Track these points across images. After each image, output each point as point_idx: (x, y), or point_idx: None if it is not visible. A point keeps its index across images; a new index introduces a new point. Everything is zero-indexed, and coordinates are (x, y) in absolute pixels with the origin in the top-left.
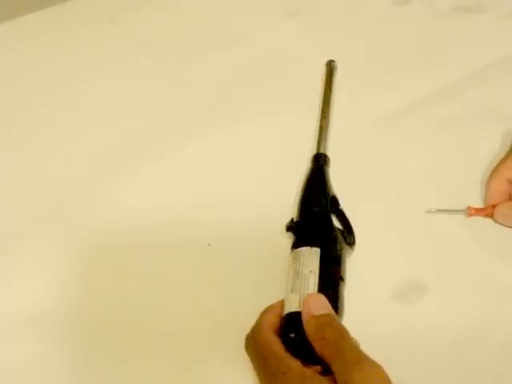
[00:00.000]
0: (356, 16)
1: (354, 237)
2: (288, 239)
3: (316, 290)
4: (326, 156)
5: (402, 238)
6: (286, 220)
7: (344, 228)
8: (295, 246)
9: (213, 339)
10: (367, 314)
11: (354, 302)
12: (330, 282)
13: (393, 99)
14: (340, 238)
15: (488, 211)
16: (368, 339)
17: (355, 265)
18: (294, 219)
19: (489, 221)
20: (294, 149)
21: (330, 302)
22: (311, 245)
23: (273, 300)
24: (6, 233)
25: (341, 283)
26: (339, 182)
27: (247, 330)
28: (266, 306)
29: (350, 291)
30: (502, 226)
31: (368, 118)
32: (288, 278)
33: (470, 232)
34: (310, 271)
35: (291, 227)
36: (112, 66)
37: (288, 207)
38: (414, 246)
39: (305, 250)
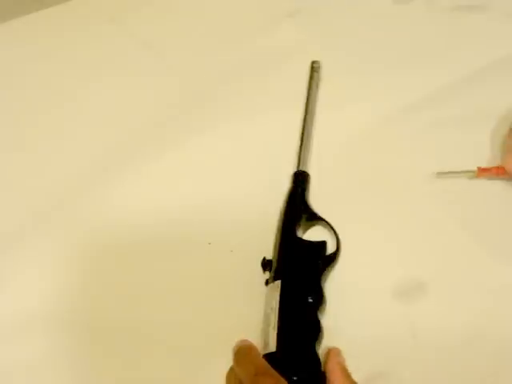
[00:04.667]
0: (356, 15)
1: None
2: None
3: (276, 328)
4: (305, 174)
5: (402, 237)
6: None
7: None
8: (266, 283)
9: (213, 337)
10: (367, 313)
11: (355, 302)
12: (293, 313)
13: (393, 99)
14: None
15: (499, 170)
16: (368, 339)
17: (356, 265)
18: (266, 258)
19: (489, 220)
20: (294, 149)
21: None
22: (275, 278)
23: None
24: (6, 233)
25: (309, 308)
26: (340, 180)
27: (247, 328)
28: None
29: (350, 291)
30: (502, 227)
31: (368, 118)
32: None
33: (470, 231)
34: (271, 309)
35: (266, 265)
36: (112, 65)
37: None
38: (414, 245)
39: (269, 286)
